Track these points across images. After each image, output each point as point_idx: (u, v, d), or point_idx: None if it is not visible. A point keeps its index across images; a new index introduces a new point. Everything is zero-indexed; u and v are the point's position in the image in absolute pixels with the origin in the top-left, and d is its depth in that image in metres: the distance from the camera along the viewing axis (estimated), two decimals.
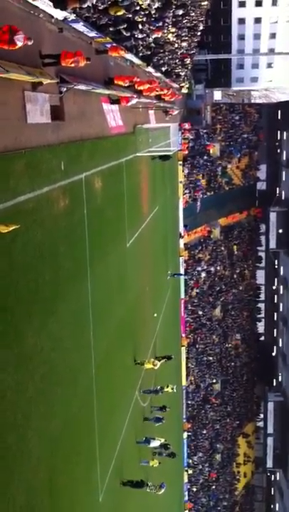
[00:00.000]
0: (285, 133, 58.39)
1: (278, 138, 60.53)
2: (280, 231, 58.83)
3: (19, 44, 9.34)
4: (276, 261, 62.02)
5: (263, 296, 67.53)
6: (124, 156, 21.91)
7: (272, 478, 65.97)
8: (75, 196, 14.60)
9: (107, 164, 18.52)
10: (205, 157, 54.60)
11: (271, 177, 62.70)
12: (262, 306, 67.53)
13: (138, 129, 25.06)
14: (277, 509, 64.06)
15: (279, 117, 60.39)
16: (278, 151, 60.40)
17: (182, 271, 47.95)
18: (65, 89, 13.65)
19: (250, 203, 63.73)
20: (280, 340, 61.80)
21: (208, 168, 55.48)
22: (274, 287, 63.89)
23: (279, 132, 60.18)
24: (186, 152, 49.41)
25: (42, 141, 12.24)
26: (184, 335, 49.86)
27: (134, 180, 25.32)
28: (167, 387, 29.77)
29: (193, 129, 51.28)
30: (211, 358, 58.48)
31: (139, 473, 23.89)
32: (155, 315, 30.87)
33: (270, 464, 60.74)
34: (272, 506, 66.79)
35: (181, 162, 47.25)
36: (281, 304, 61.35)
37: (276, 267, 62.33)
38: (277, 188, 60.85)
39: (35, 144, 11.79)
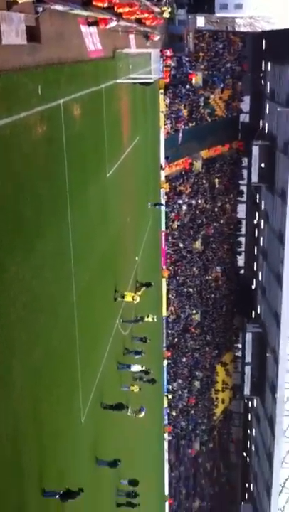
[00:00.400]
0: (269, 64, 56.91)
1: (262, 69, 59.04)
2: (262, 165, 58.42)
3: None
4: (257, 195, 62.01)
5: (243, 230, 67.96)
6: (104, 82, 21.28)
7: (250, 405, 68.76)
8: (53, 123, 14.24)
9: (85, 90, 17.99)
10: (187, 86, 53.31)
11: (254, 109, 61.61)
12: (242, 240, 68.08)
13: (118, 54, 24.23)
14: (254, 434, 67.16)
15: (263, 47, 58.68)
16: (262, 82, 59.05)
17: (163, 202, 47.87)
18: (41, 9, 13.02)
19: (232, 135, 62.92)
20: (260, 273, 62.78)
21: (191, 98, 54.30)
22: (255, 221, 64.22)
23: (263, 63, 58.64)
24: (168, 80, 48.15)
25: (18, 64, 11.78)
26: (164, 267, 50.41)
27: (114, 108, 24.73)
28: (148, 316, 30.37)
29: (176, 56, 49.78)
30: (191, 290, 59.43)
31: (120, 399, 24.70)
32: (137, 258, 30.98)
33: (247, 391, 63.01)
34: (249, 431, 69.96)
35: (162, 91, 46.13)
36: (261, 238, 61.88)
37: (257, 201, 62.40)
38: (261, 121, 59.95)
39: (11, 67, 11.35)
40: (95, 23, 18.68)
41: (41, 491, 13.08)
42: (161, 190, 47.57)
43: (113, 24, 19.89)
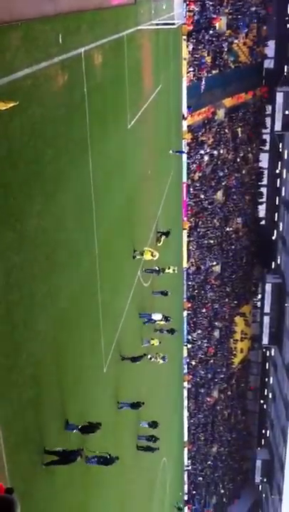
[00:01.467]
0: None
1: (288, 12, 56.81)
2: (287, 112, 57.05)
3: None
4: (281, 144, 60.82)
5: (265, 181, 66.97)
6: (126, 29, 20.75)
7: (268, 354, 69.59)
8: (74, 72, 14.03)
9: (107, 38, 17.59)
10: (211, 32, 51.59)
11: (280, 54, 59.60)
12: (264, 190, 67.19)
13: (140, 0, 23.51)
14: (271, 382, 68.23)
15: None
16: (288, 26, 56.95)
17: (184, 156, 47.19)
18: None
19: (256, 82, 61.13)
20: (281, 224, 62.31)
21: (214, 44, 52.61)
22: (277, 171, 63.23)
23: None
24: (191, 27, 46.67)
25: (38, 13, 11.56)
26: (185, 218, 50.22)
27: (136, 56, 24.17)
28: (168, 268, 30.52)
29: (199, 0, 48.03)
30: (211, 241, 59.28)
31: (141, 350, 25.18)
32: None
33: (265, 340, 63.68)
34: (266, 380, 71.05)
35: (185, 37, 44.78)
36: (283, 188, 61.07)
37: (280, 150, 61.23)
38: (286, 67, 58.15)
39: (32, 15, 11.14)
40: None
41: (64, 423, 13.51)
42: (183, 140, 46.85)
43: None
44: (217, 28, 52.14)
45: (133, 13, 22.67)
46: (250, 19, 56.51)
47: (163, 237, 29.96)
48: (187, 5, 43.52)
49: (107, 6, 17.78)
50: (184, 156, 47.25)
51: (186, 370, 55.90)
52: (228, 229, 61.98)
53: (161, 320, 27.98)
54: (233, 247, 63.51)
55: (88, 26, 15.27)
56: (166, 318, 29.01)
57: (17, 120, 10.38)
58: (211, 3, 50.09)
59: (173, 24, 28.60)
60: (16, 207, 10.51)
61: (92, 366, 16.92)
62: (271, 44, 60.19)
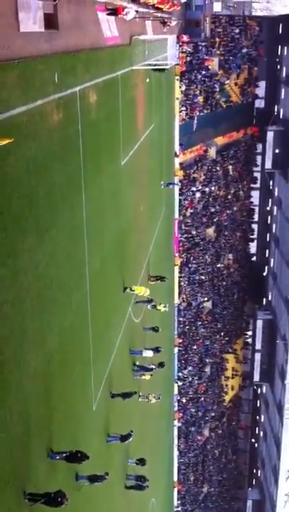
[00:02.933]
0: (285, 48, 56.15)
1: (278, 53, 58.30)
2: (277, 151, 57.94)
3: None
4: (271, 182, 61.59)
5: (256, 217, 67.61)
6: (120, 68, 21.17)
7: (259, 392, 68.94)
8: (69, 110, 14.24)
9: (102, 77, 17.93)
10: (203, 72, 52.78)
11: (270, 94, 60.93)
12: (255, 227, 67.75)
13: (134, 41, 24.05)
14: (262, 420, 67.39)
15: (280, 32, 57.88)
16: (278, 67, 58.33)
17: (177, 193, 47.55)
18: None
19: (247, 121, 62.32)
20: (272, 260, 62.57)
21: (206, 84, 53.77)
22: (268, 208, 63.84)
23: (279, 47, 57.87)
24: (184, 68, 47.74)
25: (35, 51, 11.78)
26: (177, 254, 50.34)
27: (130, 95, 24.61)
28: (160, 305, 30.42)
29: (192, 42, 49.26)
30: (203, 277, 59.35)
31: (132, 386, 24.87)
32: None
33: (257, 377, 63.17)
34: (257, 417, 70.22)
35: (178, 77, 45.71)
36: (274, 225, 61.56)
37: (271, 187, 61.98)
38: (276, 106, 59.35)
39: (28, 54, 11.36)
40: (113, 12, 18.54)
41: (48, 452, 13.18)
42: (175, 177, 47.34)
43: (131, 15, 19.62)
44: (209, 68, 53.35)
45: (128, 53, 23.17)
46: (242, 60, 57.91)
47: (158, 282, 30.05)
48: (180, 46, 44.58)
49: (102, 46, 18.17)
50: (176, 192, 47.65)
51: (176, 408, 55.18)
52: (219, 265, 62.16)
53: (151, 356, 27.75)
54: (224, 283, 63.59)
55: (84, 65, 15.57)
56: (156, 349, 28.79)
57: (12, 156, 10.47)
58: (203, 44, 51.34)
59: (166, 65, 29.19)
60: (8, 242, 10.50)
61: (81, 403, 16.67)
62: (262, 84, 61.57)
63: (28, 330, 11.50)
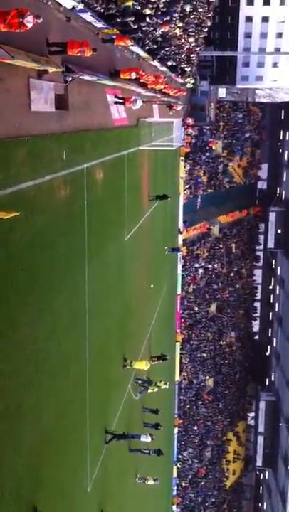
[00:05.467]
0: (287, 133, 58.31)
1: (281, 138, 60.45)
2: (279, 231, 58.84)
3: (29, 25, 9.31)
4: (274, 261, 62.05)
5: (259, 296, 67.59)
6: (127, 148, 21.85)
7: (261, 477, 66.23)
8: (76, 187, 14.56)
9: (109, 156, 18.46)
10: (207, 153, 54.50)
11: (272, 177, 62.65)
12: (258, 305, 67.60)
13: (141, 123, 24.98)
14: (265, 508, 64.34)
15: (282, 117, 60.28)
16: (280, 151, 60.33)
17: (179, 268, 47.79)
18: (70, 78, 13.60)
19: (250, 201, 63.70)
20: (275, 340, 61.90)
21: (210, 165, 55.40)
22: (270, 287, 63.95)
23: (282, 132, 60.10)
24: (188, 149, 49.34)
25: (45, 130, 12.19)
26: (178, 330, 49.91)
27: (136, 174, 25.26)
28: (160, 382, 29.76)
29: (197, 125, 51.17)
30: (204, 355, 58.55)
31: (129, 465, 23.96)
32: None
33: (259, 462, 60.96)
34: (260, 505, 67.08)
35: (182, 158, 47.17)
36: (277, 304, 61.42)
37: (273, 266, 62.36)
38: (278, 188, 60.81)
39: (38, 132, 11.75)
40: (121, 102, 19.36)
41: None
42: (179, 253, 47.75)
43: (138, 105, 20.43)
44: (213, 150, 55.10)
45: (134, 134, 24.00)
46: (245, 144, 59.89)
47: (158, 361, 29.60)
48: (185, 129, 46.26)
49: (110, 126, 18.83)
50: (179, 267, 47.88)
51: (175, 492, 52.80)
52: (221, 342, 61.49)
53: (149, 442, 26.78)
54: (226, 361, 62.66)
55: (92, 144, 16.07)
56: (156, 427, 27.85)
57: (17, 229, 10.60)
58: (208, 127, 53.27)
59: (172, 146, 30.17)
60: (9, 314, 10.43)
61: (76, 484, 15.96)
62: (264, 167, 63.41)
63: (23, 405, 11.19)
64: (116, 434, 20.43)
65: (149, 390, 27.42)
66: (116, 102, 19.23)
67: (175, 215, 46.09)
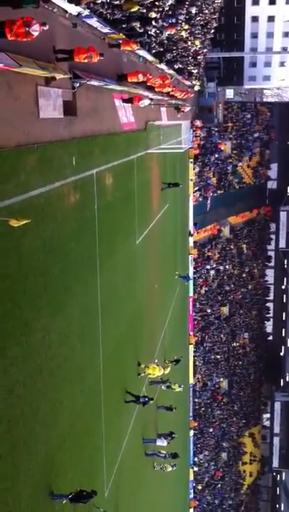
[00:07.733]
0: None
1: None
2: None
3: (35, 34, 9.36)
4: (285, 260, 61.72)
5: (271, 296, 67.22)
6: (136, 152, 21.86)
7: (278, 478, 65.79)
8: (86, 192, 14.59)
9: (118, 160, 18.49)
10: (216, 155, 54.40)
11: (282, 176, 62.37)
12: (270, 305, 67.22)
13: (150, 126, 24.99)
14: (282, 509, 63.88)
15: None
16: None
17: (191, 271, 47.53)
18: (78, 84, 13.64)
19: (260, 201, 63.44)
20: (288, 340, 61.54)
21: (219, 167, 55.28)
22: (283, 287, 63.59)
23: None
24: (198, 151, 49.27)
25: (54, 136, 12.23)
26: (191, 333, 49.80)
27: (145, 177, 25.26)
28: (174, 385, 29.67)
29: (205, 127, 51.09)
30: (218, 357, 58.36)
31: (145, 468, 23.89)
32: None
33: (276, 463, 60.56)
34: (277, 506, 66.61)
35: (192, 160, 47.11)
36: None
37: (285, 266, 62.03)
38: (288, 187, 60.52)
39: (48, 139, 11.79)
40: (129, 100, 19.41)
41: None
42: (190, 256, 47.68)
43: (146, 103, 20.52)
44: (222, 151, 54.97)
45: (143, 138, 24.01)
46: (254, 144, 59.69)
47: (172, 364, 29.51)
48: (194, 131, 46.20)
49: (119, 131, 18.86)
50: (191, 270, 47.74)
51: (192, 495, 52.63)
52: (235, 344, 61.24)
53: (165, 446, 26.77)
54: (240, 362, 62.38)
55: (101, 150, 16.10)
56: (170, 435, 27.78)
57: (29, 236, 10.63)
58: (216, 129, 53.16)
59: (180, 149, 30.14)
60: (23, 321, 10.46)
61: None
62: (274, 166, 63.12)
63: (39, 411, 11.21)
64: (136, 396, 20.72)
65: (166, 387, 27.53)
66: (124, 101, 19.24)
67: (185, 217, 46.03)
